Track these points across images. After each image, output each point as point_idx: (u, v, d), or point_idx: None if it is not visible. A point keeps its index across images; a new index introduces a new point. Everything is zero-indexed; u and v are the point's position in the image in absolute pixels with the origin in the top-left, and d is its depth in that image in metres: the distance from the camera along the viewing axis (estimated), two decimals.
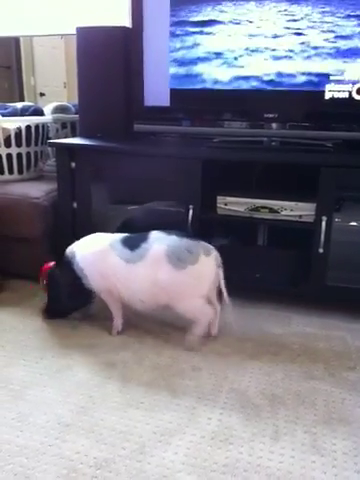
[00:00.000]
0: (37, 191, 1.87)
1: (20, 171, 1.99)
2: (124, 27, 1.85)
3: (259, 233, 1.86)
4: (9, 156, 1.94)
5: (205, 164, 1.64)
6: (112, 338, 1.51)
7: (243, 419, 1.15)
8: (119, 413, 1.16)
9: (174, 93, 1.76)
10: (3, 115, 1.94)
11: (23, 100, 5.25)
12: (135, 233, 1.50)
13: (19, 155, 1.95)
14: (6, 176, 1.97)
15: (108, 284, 1.48)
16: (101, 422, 1.13)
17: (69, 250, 1.54)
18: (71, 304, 1.59)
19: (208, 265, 1.41)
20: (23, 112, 2.01)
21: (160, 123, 1.90)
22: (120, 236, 1.49)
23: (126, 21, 2.07)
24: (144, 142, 1.87)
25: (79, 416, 1.15)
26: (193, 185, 1.65)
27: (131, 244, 1.44)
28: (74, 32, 2.39)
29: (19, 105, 2.05)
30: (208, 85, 1.74)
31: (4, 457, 1.02)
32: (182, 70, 1.75)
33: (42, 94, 5.25)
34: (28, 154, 1.98)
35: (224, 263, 1.78)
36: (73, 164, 1.76)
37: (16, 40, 5.01)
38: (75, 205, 1.81)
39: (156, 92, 1.79)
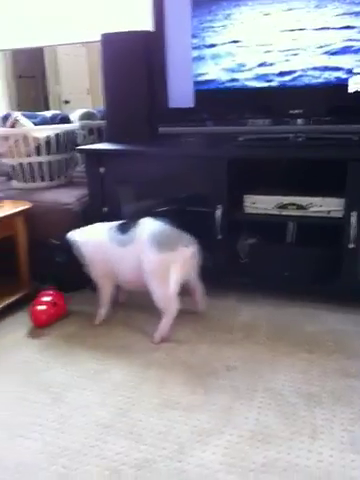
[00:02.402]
0: (68, 197, 1.91)
1: (51, 178, 2.04)
2: (147, 31, 1.87)
3: (287, 230, 1.84)
4: (40, 164, 1.99)
5: (231, 163, 1.64)
6: (145, 339, 1.53)
7: (280, 418, 1.15)
8: (157, 414, 1.18)
9: (198, 94, 1.77)
10: (34, 124, 1.99)
11: (48, 108, 5.36)
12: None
13: (49, 163, 2.00)
14: (38, 183, 2.02)
15: (105, 270, 1.60)
16: (140, 423, 1.16)
17: (70, 237, 1.65)
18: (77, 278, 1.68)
19: (185, 255, 1.50)
20: (52, 120, 2.06)
21: (185, 124, 1.91)
22: (115, 223, 1.62)
23: (148, 25, 2.09)
24: (170, 144, 1.88)
25: (118, 417, 1.18)
26: (220, 185, 1.66)
27: (123, 229, 1.57)
28: (96, 39, 2.44)
29: (48, 114, 2.10)
30: (232, 84, 1.74)
31: (48, 458, 1.05)
32: (205, 70, 1.76)
33: (67, 102, 5.34)
34: (58, 161, 2.03)
35: (253, 262, 1.79)
36: (102, 169, 1.79)
37: (40, 50, 5.11)
38: (105, 209, 1.84)
39: (180, 94, 1.80)
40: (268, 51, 1.67)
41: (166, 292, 1.48)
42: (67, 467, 1.02)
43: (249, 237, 1.80)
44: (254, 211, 1.67)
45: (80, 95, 5.36)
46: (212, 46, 1.73)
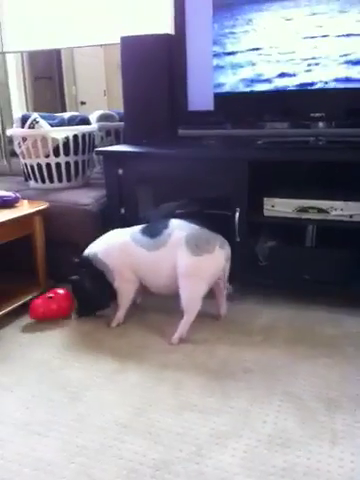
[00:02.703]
0: (86, 198, 1.92)
1: (68, 179, 2.05)
2: (167, 34, 1.88)
3: (307, 233, 1.83)
4: (58, 165, 2.00)
5: (251, 166, 1.63)
6: (162, 341, 1.52)
7: (299, 422, 1.14)
8: (174, 415, 1.18)
9: (218, 97, 1.77)
10: (51, 125, 2.00)
11: (65, 110, 5.39)
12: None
13: (67, 164, 2.02)
14: (56, 184, 2.03)
15: (130, 276, 1.57)
16: (157, 424, 1.15)
17: (88, 252, 1.62)
18: (99, 300, 1.65)
19: (221, 257, 1.50)
20: (70, 122, 2.07)
21: (204, 127, 1.90)
22: (138, 228, 1.58)
23: (168, 28, 2.10)
24: (189, 146, 1.88)
25: (136, 417, 1.17)
26: (239, 187, 1.65)
27: (152, 233, 1.54)
28: (115, 41, 2.45)
29: (66, 115, 2.12)
30: (252, 87, 1.74)
31: (67, 457, 1.05)
32: (225, 73, 1.76)
33: (83, 103, 5.38)
34: (76, 162, 2.04)
35: (272, 265, 1.78)
36: (120, 171, 1.80)
37: (57, 52, 5.15)
38: (123, 211, 1.85)
39: (200, 97, 1.81)
40: (290, 60, 1.66)
41: (195, 293, 1.49)
42: (85, 465, 1.02)
43: (268, 240, 1.79)
44: (274, 214, 1.66)
45: (96, 96, 5.40)
46: (232, 53, 1.73)
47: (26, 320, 1.69)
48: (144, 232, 1.55)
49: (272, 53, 1.69)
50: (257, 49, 1.72)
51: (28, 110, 4.51)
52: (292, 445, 1.07)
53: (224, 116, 1.84)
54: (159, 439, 1.10)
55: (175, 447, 1.07)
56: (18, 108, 4.43)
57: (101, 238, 1.64)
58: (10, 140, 2.50)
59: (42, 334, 1.60)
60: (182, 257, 1.47)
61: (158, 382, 1.32)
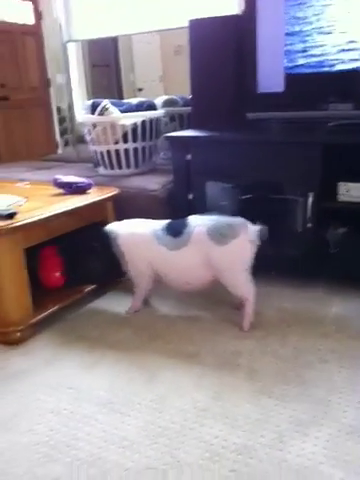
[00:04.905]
0: (153, 184, 1.94)
1: (136, 165, 2.08)
2: (236, 15, 1.84)
3: None
4: (126, 151, 2.03)
5: (324, 149, 1.58)
6: (233, 328, 1.52)
7: None
8: (252, 401, 1.18)
9: (289, 77, 1.72)
10: (120, 112, 2.03)
11: (122, 96, 5.47)
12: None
13: (135, 150, 2.04)
14: (123, 170, 2.07)
15: (147, 270, 1.56)
16: (235, 409, 1.16)
17: (110, 230, 1.60)
18: (96, 276, 1.66)
19: (248, 238, 1.46)
20: (138, 108, 2.09)
21: (273, 109, 1.86)
22: (161, 224, 1.55)
23: (235, 9, 2.06)
24: (259, 130, 1.85)
25: (213, 401, 1.19)
26: (312, 172, 1.61)
27: (173, 231, 1.51)
28: (173, 26, 2.43)
29: (134, 101, 2.14)
30: (325, 67, 1.68)
31: (149, 436, 1.08)
32: (297, 52, 1.70)
33: (140, 89, 5.42)
34: (143, 148, 2.07)
35: (343, 252, 1.73)
36: (189, 156, 1.80)
37: (114, 39, 5.20)
38: (191, 196, 1.85)
39: (270, 78, 1.76)
40: None
41: (239, 281, 1.48)
42: (168, 446, 1.05)
43: (340, 226, 1.74)
44: (348, 199, 1.60)
45: (153, 83, 5.42)
46: (303, 33, 1.67)
47: (100, 303, 1.75)
48: (166, 230, 1.53)
49: (347, 31, 1.62)
50: (329, 28, 1.65)
51: (89, 97, 4.61)
52: None
53: (295, 97, 1.78)
54: (238, 424, 1.11)
55: (255, 433, 1.08)
56: (78, 96, 4.54)
57: (126, 223, 1.62)
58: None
59: (118, 316, 1.64)
60: (210, 252, 1.45)
61: (233, 368, 1.32)
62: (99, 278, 1.68)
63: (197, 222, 1.50)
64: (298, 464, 0.98)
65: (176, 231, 1.51)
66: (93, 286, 1.73)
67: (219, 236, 1.45)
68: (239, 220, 1.49)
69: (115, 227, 1.61)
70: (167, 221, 1.57)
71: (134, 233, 1.58)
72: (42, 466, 1.02)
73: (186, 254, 1.49)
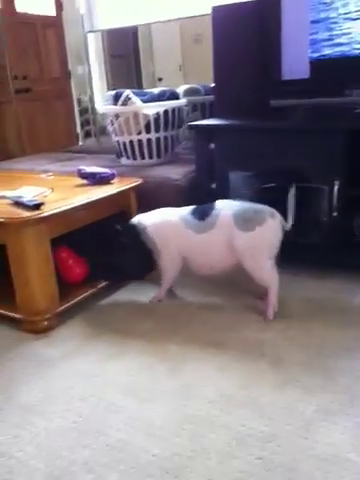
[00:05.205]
0: (175, 173, 1.94)
1: (158, 155, 2.08)
2: (260, 1, 1.81)
3: None
4: (149, 141, 2.03)
5: (350, 136, 1.55)
6: (257, 317, 1.52)
7: None
8: (277, 390, 1.18)
9: (314, 64, 1.69)
10: (143, 102, 2.02)
11: (141, 86, 5.45)
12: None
13: (158, 139, 2.04)
14: (146, 160, 2.07)
15: (176, 256, 1.56)
16: (261, 397, 1.16)
17: (136, 222, 1.59)
18: (133, 271, 1.65)
19: (274, 226, 1.46)
20: (160, 97, 2.08)
21: (298, 96, 1.83)
22: (188, 209, 1.56)
23: None
24: (283, 117, 1.82)
25: (239, 390, 1.19)
26: (338, 159, 1.58)
27: (200, 215, 1.52)
28: (192, 15, 2.41)
29: (156, 90, 2.13)
30: (351, 52, 1.64)
31: (176, 424, 1.09)
32: (323, 39, 1.67)
33: (160, 79, 5.39)
34: (165, 138, 2.06)
35: None
36: (212, 145, 1.79)
37: (133, 29, 5.18)
38: (214, 186, 1.84)
39: (294, 65, 1.74)
40: None
41: (264, 266, 1.48)
42: (195, 433, 1.06)
43: None
44: None
45: (172, 72, 5.38)
46: (329, 19, 1.64)
47: (123, 293, 1.76)
48: (193, 214, 1.54)
49: None
50: (357, 14, 1.61)
51: (109, 88, 4.61)
52: None
53: (320, 84, 1.75)
54: (264, 412, 1.11)
55: (282, 421, 1.08)
56: (98, 87, 4.54)
57: (152, 213, 1.62)
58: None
59: (142, 306, 1.65)
60: (235, 237, 1.45)
61: (257, 357, 1.32)
62: (132, 274, 1.68)
63: (224, 206, 1.51)
64: (325, 452, 0.98)
65: (203, 214, 1.52)
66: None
67: (244, 222, 1.45)
68: (266, 207, 1.48)
69: (142, 218, 1.61)
70: (194, 206, 1.57)
71: (163, 221, 1.58)
72: (71, 451, 1.04)
73: (212, 237, 1.50)
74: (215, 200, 1.84)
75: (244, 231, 1.45)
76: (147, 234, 1.57)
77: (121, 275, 1.68)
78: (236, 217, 1.46)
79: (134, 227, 1.59)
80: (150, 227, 1.58)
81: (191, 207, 1.57)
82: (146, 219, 1.60)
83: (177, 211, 1.59)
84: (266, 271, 1.48)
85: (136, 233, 1.58)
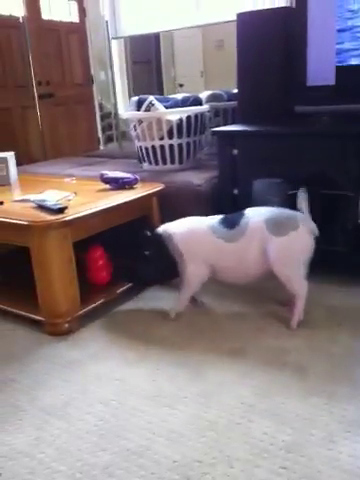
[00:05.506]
0: (198, 179, 1.94)
1: (180, 161, 2.08)
2: (286, 8, 1.81)
3: None
4: (171, 147, 2.03)
5: None
6: (280, 325, 1.50)
7: None
8: (300, 399, 1.16)
9: (341, 70, 1.68)
10: (166, 107, 2.03)
11: (162, 92, 5.49)
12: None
13: (180, 145, 2.04)
14: (168, 166, 2.08)
15: (203, 267, 1.52)
16: (283, 406, 1.14)
17: (162, 231, 1.56)
18: (153, 279, 1.64)
19: (307, 232, 1.44)
20: (183, 103, 2.09)
21: (323, 102, 1.81)
22: (217, 218, 1.53)
23: (282, 1, 2.03)
24: (307, 123, 1.81)
25: (260, 398, 1.18)
26: None
27: (229, 224, 1.49)
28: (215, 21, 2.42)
29: (179, 96, 2.14)
30: None
31: (197, 430, 1.09)
32: (350, 44, 1.65)
33: (181, 85, 5.42)
34: (188, 144, 2.07)
35: None
36: (235, 151, 1.78)
37: (155, 35, 5.23)
38: (236, 192, 1.84)
39: (320, 71, 1.73)
40: None
41: (295, 275, 1.46)
42: (216, 441, 1.05)
43: None
44: None
45: (194, 78, 5.41)
46: (355, 26, 1.62)
47: (144, 298, 1.76)
48: (222, 223, 1.50)
49: None
50: None
51: (130, 94, 4.65)
52: None
53: (346, 90, 1.73)
54: (287, 421, 1.09)
55: (304, 431, 1.06)
56: (120, 92, 4.58)
57: (179, 222, 1.58)
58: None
59: (162, 312, 1.64)
60: (268, 243, 1.43)
61: (280, 366, 1.30)
62: (151, 281, 1.67)
63: (254, 213, 1.48)
64: (351, 464, 0.96)
65: (233, 223, 1.49)
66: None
67: (277, 227, 1.43)
68: (297, 213, 1.46)
69: (168, 227, 1.57)
70: (222, 215, 1.55)
71: (191, 230, 1.54)
72: (92, 454, 1.04)
73: (244, 245, 1.47)
74: (237, 206, 1.84)
75: (277, 236, 1.42)
76: (173, 242, 1.54)
77: (140, 280, 1.67)
78: (268, 223, 1.44)
79: (160, 236, 1.56)
80: (177, 236, 1.54)
81: (219, 216, 1.55)
82: (173, 227, 1.57)
83: (205, 220, 1.55)
84: (298, 278, 1.46)
85: (161, 241, 1.55)
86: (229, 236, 1.48)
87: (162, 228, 1.58)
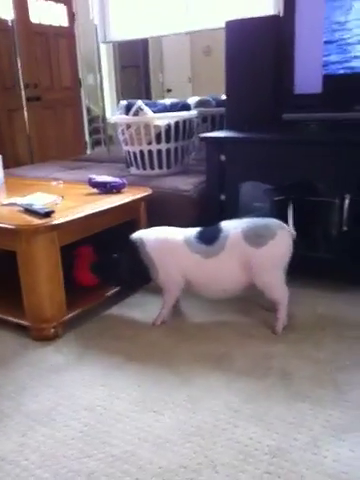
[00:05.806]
0: (185, 184, 1.95)
1: (168, 166, 2.08)
2: (274, 16, 1.83)
3: None
4: (159, 152, 2.04)
5: None
6: (265, 330, 1.51)
7: None
8: (285, 404, 1.17)
9: (327, 79, 1.70)
10: (154, 112, 2.04)
11: (150, 97, 5.50)
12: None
13: (168, 150, 2.05)
14: (156, 171, 2.08)
15: (179, 278, 1.51)
16: (268, 411, 1.15)
17: (136, 238, 1.54)
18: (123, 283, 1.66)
19: (285, 237, 1.45)
20: (172, 108, 2.10)
21: (310, 110, 1.84)
22: (193, 232, 1.51)
23: (264, 11, 2.06)
24: (295, 131, 1.83)
25: (246, 403, 1.18)
26: (349, 173, 1.58)
27: (207, 239, 1.48)
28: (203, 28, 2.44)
29: (167, 102, 2.15)
30: None
31: (183, 435, 1.09)
32: (336, 54, 1.68)
33: (169, 90, 5.44)
34: (176, 149, 2.07)
35: None
36: (223, 157, 1.79)
37: (144, 40, 5.24)
38: (223, 197, 1.85)
39: (307, 79, 1.75)
40: None
41: (275, 283, 1.47)
42: (202, 446, 1.05)
43: None
44: None
45: (181, 84, 5.43)
46: (343, 33, 1.65)
47: (131, 303, 1.76)
48: (199, 238, 1.49)
49: None
50: None
51: (118, 98, 4.65)
52: None
53: (332, 99, 1.76)
54: (272, 426, 1.10)
55: (289, 436, 1.07)
56: (108, 96, 4.58)
57: (154, 230, 1.57)
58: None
59: (149, 316, 1.63)
60: (247, 254, 1.43)
61: (265, 370, 1.31)
62: (123, 283, 1.67)
63: (231, 226, 1.48)
64: (334, 468, 0.97)
65: (210, 238, 1.48)
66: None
67: (256, 238, 1.43)
68: (274, 220, 1.47)
69: (142, 234, 1.56)
70: (198, 229, 1.53)
71: (165, 240, 1.53)
72: (77, 461, 1.03)
73: (223, 260, 1.46)
74: (224, 212, 1.85)
75: (257, 247, 1.43)
76: (145, 250, 1.52)
77: (107, 280, 1.66)
78: (246, 235, 1.44)
79: (134, 242, 1.54)
80: (150, 243, 1.52)
81: (195, 229, 1.53)
82: (146, 235, 1.55)
83: (180, 231, 1.53)
84: (278, 286, 1.47)
85: (135, 248, 1.53)
86: (208, 252, 1.47)
87: (136, 234, 1.57)
